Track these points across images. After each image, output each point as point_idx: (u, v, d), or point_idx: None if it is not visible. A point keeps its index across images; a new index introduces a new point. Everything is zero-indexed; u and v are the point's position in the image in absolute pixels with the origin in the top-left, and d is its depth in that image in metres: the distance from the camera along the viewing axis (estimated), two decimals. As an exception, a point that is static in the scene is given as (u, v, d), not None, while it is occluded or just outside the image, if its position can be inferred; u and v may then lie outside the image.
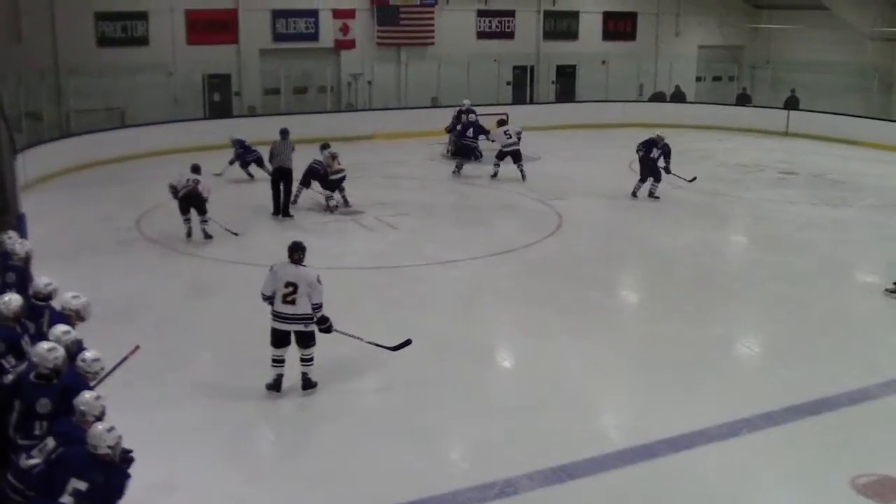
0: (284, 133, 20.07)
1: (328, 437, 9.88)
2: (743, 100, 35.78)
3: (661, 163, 21.27)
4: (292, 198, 19.84)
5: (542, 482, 8.84)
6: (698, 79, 38.91)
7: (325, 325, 10.62)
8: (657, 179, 21.37)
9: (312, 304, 10.41)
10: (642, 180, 21.49)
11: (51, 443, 6.68)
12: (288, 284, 10.32)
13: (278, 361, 10.61)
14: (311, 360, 10.69)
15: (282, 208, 19.51)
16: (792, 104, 33.27)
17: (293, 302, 10.35)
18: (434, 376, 11.39)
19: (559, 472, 8.99)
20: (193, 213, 17.33)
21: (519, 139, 23.26)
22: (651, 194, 21.45)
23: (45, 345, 7.36)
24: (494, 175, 23.48)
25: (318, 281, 10.44)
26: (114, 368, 8.48)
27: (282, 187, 19.52)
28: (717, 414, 10.27)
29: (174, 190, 17.36)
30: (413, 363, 11.66)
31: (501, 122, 24.27)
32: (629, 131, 31.74)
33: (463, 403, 10.70)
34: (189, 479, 8.89)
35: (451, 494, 8.65)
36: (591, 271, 16.17)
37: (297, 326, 10.47)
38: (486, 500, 8.62)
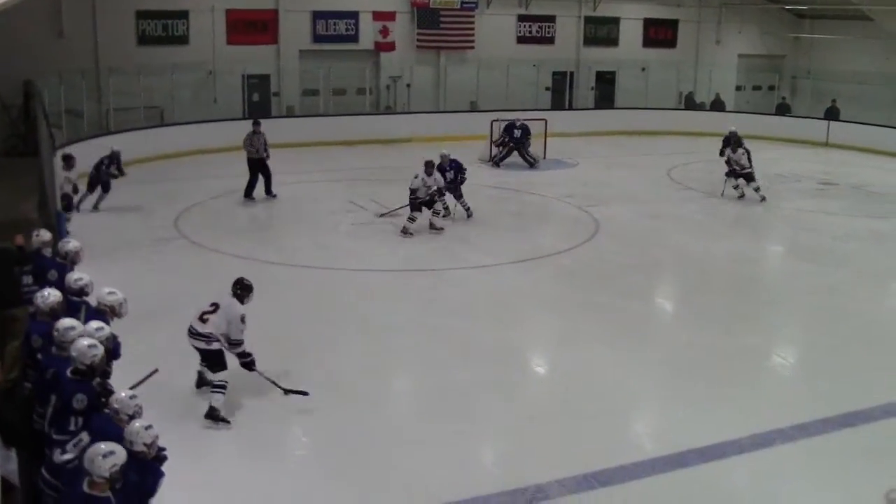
0: (256, 124, 21.09)
1: (358, 441, 9.83)
2: (783, 109, 35.45)
3: None
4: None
5: (573, 488, 8.83)
6: (738, 88, 38.64)
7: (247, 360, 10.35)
8: None
9: (230, 340, 10.10)
10: None
11: (86, 438, 6.68)
12: (212, 304, 10.07)
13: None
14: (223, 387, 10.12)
15: (266, 189, 21.13)
16: (832, 115, 32.99)
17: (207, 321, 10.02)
18: (466, 381, 11.37)
19: (590, 479, 8.98)
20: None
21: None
22: None
23: (85, 341, 7.38)
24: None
25: (242, 321, 10.08)
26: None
27: (260, 175, 21.05)
28: (749, 424, 10.20)
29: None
30: (445, 367, 11.73)
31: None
32: (668, 139, 31.78)
33: (495, 409, 10.70)
34: (221, 479, 8.98)
35: (482, 499, 8.66)
36: (626, 278, 16.09)
37: (200, 343, 10.10)
38: (516, 505, 8.65)
